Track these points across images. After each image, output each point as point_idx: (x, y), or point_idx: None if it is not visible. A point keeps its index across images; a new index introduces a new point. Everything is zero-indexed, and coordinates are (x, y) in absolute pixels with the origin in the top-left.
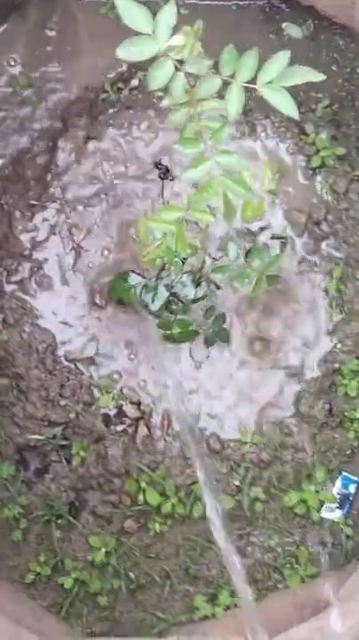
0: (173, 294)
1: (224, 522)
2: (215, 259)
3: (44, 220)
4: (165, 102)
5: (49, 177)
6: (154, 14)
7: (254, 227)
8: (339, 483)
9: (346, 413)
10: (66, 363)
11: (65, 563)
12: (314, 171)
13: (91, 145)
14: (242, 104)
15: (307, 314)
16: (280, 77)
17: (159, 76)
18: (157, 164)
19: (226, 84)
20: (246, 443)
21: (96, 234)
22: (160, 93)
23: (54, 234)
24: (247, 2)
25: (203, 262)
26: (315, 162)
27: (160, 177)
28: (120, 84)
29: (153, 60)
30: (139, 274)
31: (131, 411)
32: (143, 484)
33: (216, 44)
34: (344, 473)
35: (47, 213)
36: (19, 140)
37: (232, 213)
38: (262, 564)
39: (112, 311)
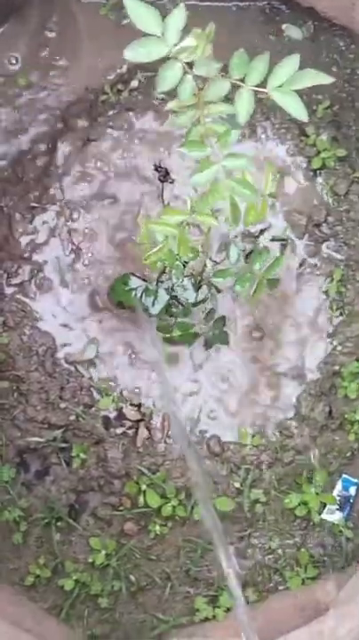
0: (174, 297)
1: (220, 526)
2: (216, 262)
3: (44, 222)
4: (171, 105)
5: (49, 179)
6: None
7: (255, 229)
8: (339, 485)
9: (346, 415)
10: (66, 365)
11: (65, 565)
12: (314, 172)
13: (91, 146)
14: (252, 108)
15: (308, 316)
16: (290, 81)
17: (169, 78)
18: (157, 167)
19: (234, 86)
20: (246, 445)
21: (96, 236)
22: (161, 95)
23: (54, 236)
24: (247, 3)
25: (204, 266)
26: (316, 163)
27: (160, 179)
28: (120, 86)
29: (160, 61)
30: (139, 277)
31: (131, 413)
32: (143, 487)
33: (216, 46)
34: (344, 475)
35: (47, 215)
36: (18, 141)
37: (238, 217)
38: (263, 566)
39: (112, 313)
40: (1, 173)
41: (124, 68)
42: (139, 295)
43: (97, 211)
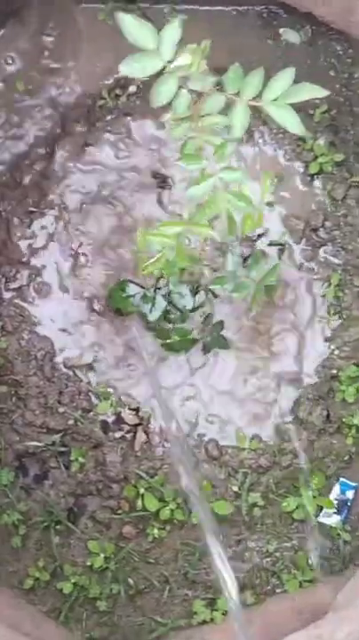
0: (171, 303)
1: (216, 530)
2: (214, 269)
3: (43, 227)
4: (167, 117)
5: (47, 183)
6: (156, 22)
7: (252, 233)
8: (336, 488)
9: (343, 419)
10: (64, 370)
11: (64, 568)
12: (312, 177)
13: (89, 151)
14: (247, 122)
15: (306, 320)
16: (285, 95)
17: (163, 92)
18: (155, 174)
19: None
20: (244, 449)
21: (94, 241)
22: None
23: (53, 241)
24: (245, 7)
25: (202, 273)
26: (313, 168)
27: (158, 186)
28: (118, 91)
29: (156, 74)
30: (137, 284)
31: (129, 417)
32: (142, 490)
33: (215, 50)
34: (342, 479)
35: (45, 220)
36: (17, 146)
37: (234, 229)
38: (260, 569)
39: (110, 318)
40: None
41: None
42: (136, 302)
43: (95, 216)
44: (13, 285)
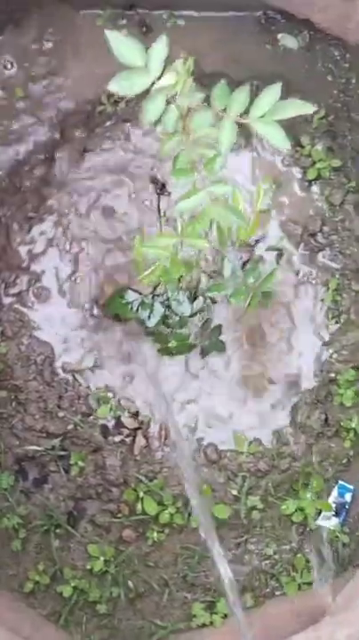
0: (169, 309)
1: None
2: (211, 276)
3: (42, 232)
4: (158, 130)
5: (46, 189)
6: (155, 29)
7: (251, 239)
8: (335, 491)
9: (342, 423)
10: (64, 374)
11: (64, 571)
12: (309, 183)
13: (88, 157)
14: (234, 137)
15: (304, 324)
16: (272, 111)
17: (152, 110)
18: (153, 180)
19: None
20: (243, 452)
21: (93, 246)
22: None
23: (52, 246)
24: (243, 13)
25: (199, 279)
26: (311, 174)
27: (157, 192)
28: (116, 97)
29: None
30: (135, 290)
31: (128, 421)
32: (141, 494)
33: (213, 55)
34: (340, 482)
35: (45, 226)
36: (16, 151)
37: (225, 239)
38: (260, 572)
39: (109, 323)
40: None
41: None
42: (135, 308)
43: (94, 221)
44: (13, 291)
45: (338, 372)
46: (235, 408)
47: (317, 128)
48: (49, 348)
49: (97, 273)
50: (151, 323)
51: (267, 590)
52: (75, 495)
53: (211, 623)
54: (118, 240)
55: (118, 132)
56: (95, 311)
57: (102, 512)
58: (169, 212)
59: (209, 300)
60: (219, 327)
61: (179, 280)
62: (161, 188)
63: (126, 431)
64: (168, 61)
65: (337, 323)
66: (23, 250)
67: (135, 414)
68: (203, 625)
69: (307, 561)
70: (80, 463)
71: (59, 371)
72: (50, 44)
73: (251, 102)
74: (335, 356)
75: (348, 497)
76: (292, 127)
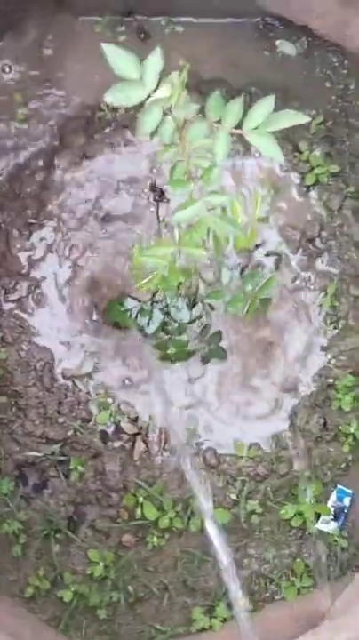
0: (169, 316)
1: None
2: (210, 283)
3: (42, 238)
4: (156, 140)
5: (46, 195)
6: (153, 35)
7: (249, 245)
8: (333, 496)
9: (340, 427)
10: (63, 380)
11: (64, 576)
12: (308, 188)
13: (88, 163)
14: (229, 148)
15: (302, 330)
16: (266, 123)
17: (148, 122)
18: (152, 187)
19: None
20: (242, 457)
21: (93, 252)
22: None
23: (51, 252)
24: (242, 19)
25: (197, 287)
26: (309, 179)
27: (155, 199)
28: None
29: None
30: (134, 297)
31: (128, 427)
32: (141, 499)
33: (212, 61)
34: (339, 486)
35: (44, 232)
36: (16, 157)
37: (221, 248)
38: (259, 576)
39: (109, 328)
40: None
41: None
42: (134, 316)
43: (93, 227)
44: (13, 297)
45: (336, 377)
46: (234, 413)
47: (315, 134)
48: (49, 354)
49: (96, 279)
50: (150, 330)
51: (267, 594)
52: (75, 500)
53: (211, 627)
54: (117, 246)
55: (117, 139)
56: (94, 317)
57: (102, 517)
58: (168, 218)
59: (208, 307)
60: (218, 333)
61: (177, 287)
62: (160, 195)
63: (126, 436)
64: (167, 67)
65: (335, 328)
66: (23, 256)
67: (134, 420)
68: (203, 629)
69: (306, 565)
70: (80, 468)
71: (59, 376)
72: (49, 51)
73: (246, 113)
74: (333, 361)
75: (347, 501)
76: (291, 133)
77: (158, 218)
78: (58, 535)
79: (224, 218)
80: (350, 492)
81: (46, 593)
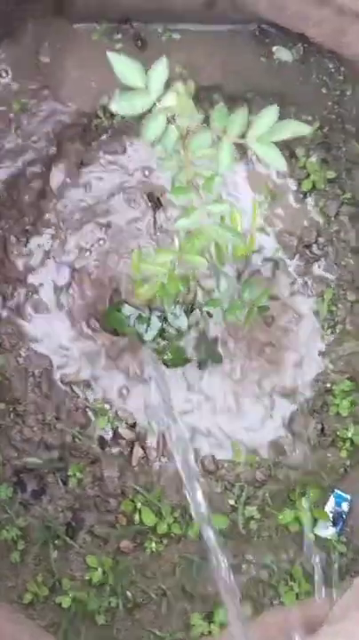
0: (166, 321)
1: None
2: (208, 291)
3: (39, 245)
4: (158, 149)
5: (43, 202)
6: (150, 42)
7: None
8: (332, 501)
9: (338, 433)
10: (62, 386)
11: (62, 582)
12: (304, 194)
13: (85, 170)
14: (232, 158)
15: (299, 335)
16: (269, 133)
17: (152, 130)
18: (149, 194)
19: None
20: (240, 463)
21: (90, 258)
22: None
23: (49, 258)
24: (239, 26)
25: (195, 294)
26: (306, 185)
27: (152, 206)
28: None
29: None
30: (132, 304)
31: (126, 432)
32: (139, 505)
33: (209, 68)
34: (337, 491)
35: (42, 239)
36: (13, 165)
37: (222, 257)
38: (257, 581)
39: (107, 335)
40: None
41: (117, 93)
42: (132, 323)
43: (91, 234)
44: (11, 303)
45: (333, 382)
46: (232, 418)
47: (312, 140)
48: (47, 361)
49: (94, 285)
50: (148, 336)
51: (266, 600)
52: (74, 506)
53: (210, 633)
54: (115, 253)
55: (115, 146)
56: (92, 323)
57: (100, 523)
58: (165, 224)
59: (205, 314)
60: (215, 339)
61: (175, 294)
62: (157, 202)
63: (124, 442)
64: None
65: (332, 333)
66: (20, 262)
67: (132, 425)
68: (202, 635)
69: (305, 570)
70: (78, 474)
71: (57, 383)
72: (46, 58)
73: (249, 124)
74: (331, 366)
75: (345, 506)
76: (287, 139)
77: (155, 225)
78: (56, 541)
79: (224, 226)
80: (348, 497)
81: (45, 599)
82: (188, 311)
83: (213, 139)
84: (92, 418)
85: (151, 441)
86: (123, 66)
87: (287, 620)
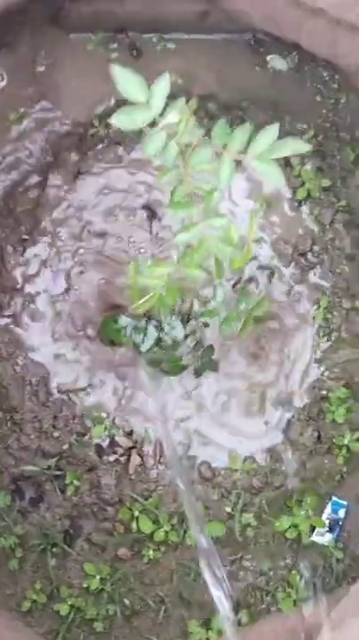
0: (162, 331)
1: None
2: (204, 302)
3: (36, 254)
4: (157, 162)
5: (40, 211)
6: (145, 52)
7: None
8: (328, 508)
9: (334, 440)
10: (59, 394)
11: (60, 590)
12: (299, 202)
13: (81, 180)
14: (232, 174)
15: (295, 343)
16: (270, 150)
17: (153, 144)
18: (145, 204)
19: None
20: (237, 470)
21: (87, 268)
22: None
23: (46, 267)
24: (234, 35)
25: (192, 303)
26: (301, 194)
27: (148, 217)
28: (109, 120)
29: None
30: (128, 315)
31: (123, 440)
32: (136, 513)
33: (203, 77)
34: (333, 498)
35: (38, 248)
36: (9, 174)
37: (222, 271)
38: (255, 588)
39: (103, 344)
40: None
41: (112, 102)
42: (128, 333)
43: (87, 243)
44: (7, 312)
45: (329, 389)
46: (229, 426)
47: None
48: (44, 369)
49: (91, 294)
50: (145, 346)
51: (263, 607)
52: (71, 514)
53: None
54: (111, 262)
55: (110, 155)
56: (89, 332)
57: (98, 531)
58: (161, 233)
59: (201, 323)
60: (211, 347)
61: (172, 305)
62: (153, 212)
63: (121, 450)
64: None
65: (328, 340)
66: (17, 272)
67: (129, 433)
68: None
69: (302, 577)
70: (75, 482)
71: (54, 391)
72: (42, 67)
73: (249, 141)
74: (326, 373)
75: (342, 513)
76: None
77: (151, 234)
78: (54, 549)
79: (225, 240)
80: (345, 503)
81: (43, 606)
82: (185, 321)
83: (214, 154)
84: (89, 426)
85: (148, 449)
86: (126, 80)
87: (284, 626)
